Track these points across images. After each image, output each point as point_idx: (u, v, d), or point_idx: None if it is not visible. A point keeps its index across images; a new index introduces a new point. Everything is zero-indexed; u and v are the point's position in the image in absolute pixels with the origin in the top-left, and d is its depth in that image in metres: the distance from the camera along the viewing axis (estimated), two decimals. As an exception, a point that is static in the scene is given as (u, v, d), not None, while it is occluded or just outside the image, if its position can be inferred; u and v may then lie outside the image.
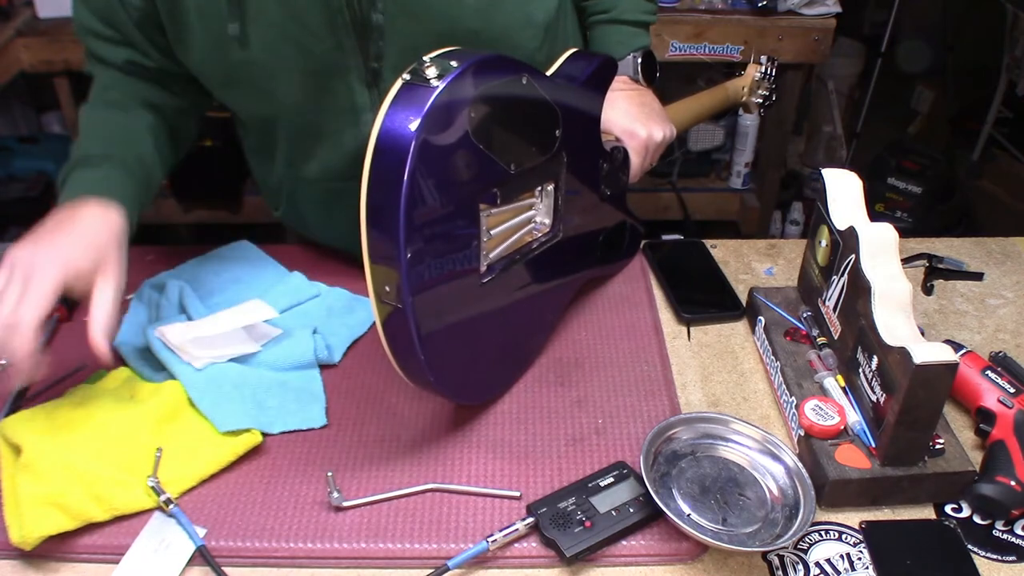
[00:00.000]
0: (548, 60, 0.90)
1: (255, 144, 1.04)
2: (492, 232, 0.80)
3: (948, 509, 0.78)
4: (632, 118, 1.01)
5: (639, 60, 1.05)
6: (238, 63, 0.88)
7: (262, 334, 0.91)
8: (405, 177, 0.68)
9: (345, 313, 0.98)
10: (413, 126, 0.68)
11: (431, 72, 0.70)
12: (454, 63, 0.71)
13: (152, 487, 0.76)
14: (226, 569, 0.72)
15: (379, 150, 0.69)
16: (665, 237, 1.14)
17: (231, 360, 0.88)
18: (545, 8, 0.96)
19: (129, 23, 0.89)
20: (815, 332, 0.91)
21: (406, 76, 0.71)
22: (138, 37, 0.90)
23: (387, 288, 0.72)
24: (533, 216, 0.87)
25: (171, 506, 0.75)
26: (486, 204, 0.78)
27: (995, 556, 0.74)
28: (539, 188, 0.86)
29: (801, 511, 0.73)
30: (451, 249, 0.75)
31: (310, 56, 0.87)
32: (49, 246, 0.77)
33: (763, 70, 1.24)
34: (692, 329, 0.99)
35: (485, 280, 0.80)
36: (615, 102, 1.02)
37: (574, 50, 0.92)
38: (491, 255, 0.81)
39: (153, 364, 0.89)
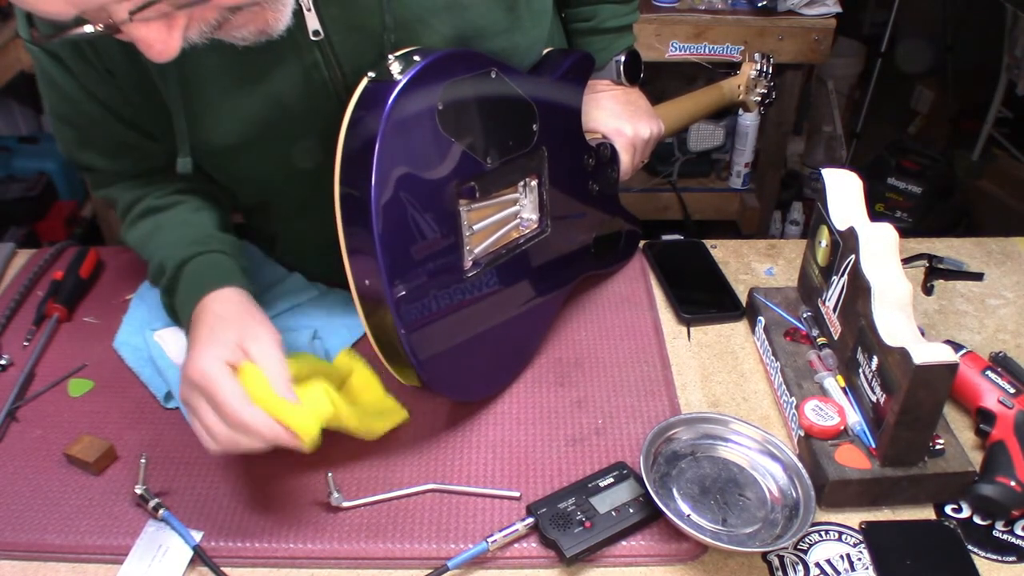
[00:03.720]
0: None
1: (243, 207, 0.99)
2: (475, 227, 0.80)
3: (948, 509, 0.78)
4: (617, 116, 1.01)
5: (621, 63, 1.04)
6: (214, 169, 0.86)
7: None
8: (373, 171, 0.68)
9: (344, 313, 0.98)
10: (378, 121, 0.68)
11: (395, 68, 0.70)
12: (417, 58, 0.71)
13: (141, 495, 0.76)
14: (225, 570, 0.71)
15: (347, 146, 0.70)
16: (665, 237, 1.14)
17: None
18: (544, 26, 0.95)
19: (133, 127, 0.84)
20: (815, 332, 0.91)
21: (371, 74, 0.71)
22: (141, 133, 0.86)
23: (367, 282, 0.72)
24: (518, 212, 0.87)
25: (161, 511, 0.75)
26: (465, 199, 0.78)
27: (995, 556, 0.74)
28: (522, 183, 0.86)
29: (801, 511, 0.73)
30: (431, 243, 0.75)
31: (292, 153, 0.83)
32: (215, 347, 0.73)
33: (758, 68, 1.24)
34: (692, 329, 0.99)
35: (470, 274, 0.80)
36: (600, 102, 1.02)
37: (549, 49, 0.92)
38: (476, 250, 0.81)
39: (153, 366, 0.89)
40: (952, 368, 0.71)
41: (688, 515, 0.74)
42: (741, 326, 1.00)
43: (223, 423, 0.69)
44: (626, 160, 1.00)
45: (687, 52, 2.13)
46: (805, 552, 0.74)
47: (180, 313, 0.82)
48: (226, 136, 0.81)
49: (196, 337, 0.76)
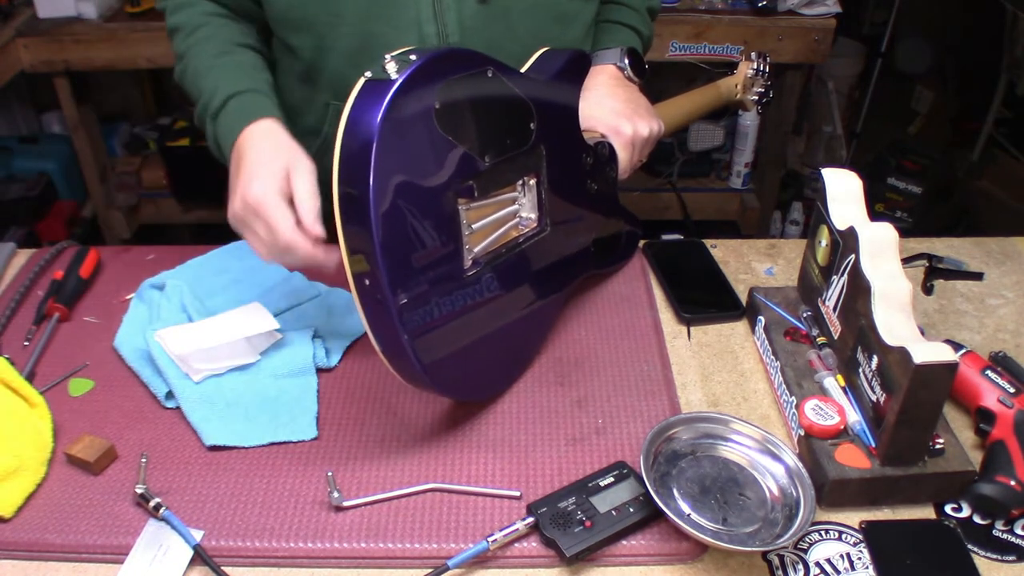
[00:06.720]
0: None
1: (302, 69, 1.03)
2: (474, 226, 0.80)
3: (948, 509, 0.78)
4: (617, 114, 1.00)
5: (626, 50, 1.05)
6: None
7: (262, 341, 0.91)
8: (371, 171, 0.69)
9: (345, 314, 0.98)
10: (375, 120, 0.68)
11: (391, 67, 0.71)
12: (413, 57, 0.71)
13: (141, 494, 0.76)
14: (226, 569, 0.72)
15: (345, 145, 0.70)
16: (665, 237, 1.14)
17: (230, 370, 0.89)
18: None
19: None
20: (815, 332, 0.91)
21: (368, 74, 0.72)
22: None
23: (367, 282, 0.72)
24: (517, 211, 0.87)
25: (162, 510, 0.75)
26: (464, 197, 0.78)
27: (995, 556, 0.74)
28: (520, 182, 0.86)
29: (801, 511, 0.73)
30: (430, 243, 0.75)
31: None
32: (267, 175, 0.82)
33: (755, 67, 1.23)
34: (692, 329, 0.99)
35: (470, 273, 0.80)
36: (600, 99, 1.02)
37: (546, 48, 0.92)
38: (475, 249, 0.81)
39: (153, 366, 0.89)
40: (952, 368, 0.71)
41: (688, 514, 0.74)
42: (741, 326, 1.00)
43: (273, 242, 0.80)
44: (624, 159, 1.00)
45: (687, 52, 2.13)
46: (805, 551, 0.74)
47: (222, 140, 0.91)
48: None
49: (247, 162, 0.84)
